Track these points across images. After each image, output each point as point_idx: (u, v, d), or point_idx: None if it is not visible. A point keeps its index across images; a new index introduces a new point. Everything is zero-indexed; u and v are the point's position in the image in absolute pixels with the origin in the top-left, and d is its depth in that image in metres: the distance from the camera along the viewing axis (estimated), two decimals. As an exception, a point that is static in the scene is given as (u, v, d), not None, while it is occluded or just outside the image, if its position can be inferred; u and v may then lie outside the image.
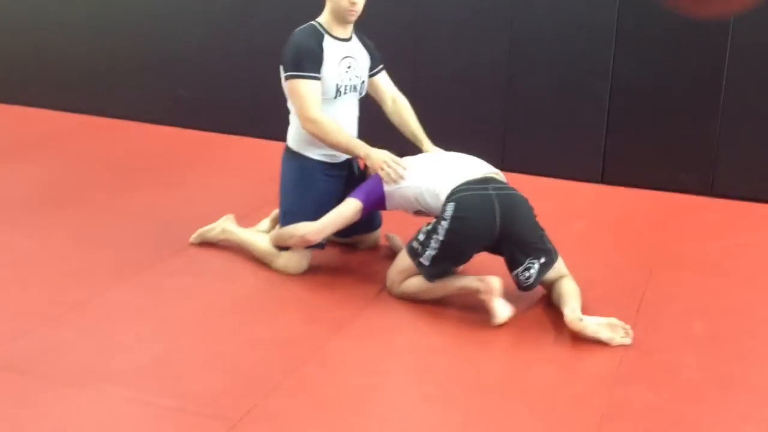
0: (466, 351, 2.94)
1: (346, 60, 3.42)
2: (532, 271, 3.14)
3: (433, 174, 3.27)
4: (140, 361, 2.80)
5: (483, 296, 3.10)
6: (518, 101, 4.98)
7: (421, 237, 3.16)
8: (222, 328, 3.07)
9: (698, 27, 4.40)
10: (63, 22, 6.12)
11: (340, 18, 3.39)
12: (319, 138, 3.34)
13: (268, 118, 4.70)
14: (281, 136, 3.62)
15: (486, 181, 3.18)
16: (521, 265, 3.13)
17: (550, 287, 3.24)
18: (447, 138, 3.72)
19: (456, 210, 3.08)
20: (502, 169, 3.36)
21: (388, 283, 3.32)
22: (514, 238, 3.14)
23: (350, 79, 3.45)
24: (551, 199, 4.32)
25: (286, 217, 3.51)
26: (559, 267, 3.23)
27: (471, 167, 3.30)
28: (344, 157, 3.54)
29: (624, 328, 2.98)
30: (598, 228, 4.20)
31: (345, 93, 3.44)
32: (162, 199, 4.48)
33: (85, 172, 4.96)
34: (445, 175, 3.24)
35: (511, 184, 3.25)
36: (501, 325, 3.05)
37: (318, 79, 3.33)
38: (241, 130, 5.66)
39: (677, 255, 3.85)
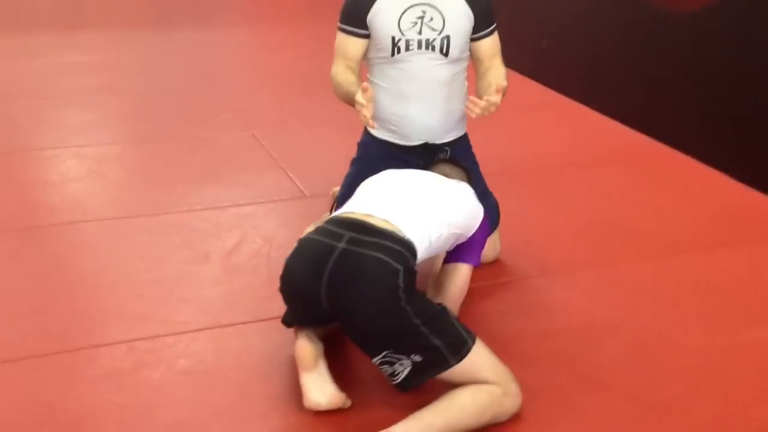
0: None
1: (415, 8, 2.62)
2: (397, 367, 2.08)
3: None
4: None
5: None
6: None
7: None
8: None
9: None
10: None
11: None
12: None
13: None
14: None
15: (357, 226, 2.15)
16: (376, 356, 2.10)
17: None
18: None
19: (291, 255, 2.20)
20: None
21: None
22: (347, 319, 2.11)
23: (419, 33, 2.64)
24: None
25: (338, 201, 2.95)
26: (467, 372, 2.08)
27: (374, 198, 2.30)
28: (418, 139, 2.77)
29: None
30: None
31: (409, 50, 2.64)
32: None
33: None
34: (352, 200, 2.36)
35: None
36: (324, 412, 2.10)
37: (355, 35, 2.68)
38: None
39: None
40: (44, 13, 7.40)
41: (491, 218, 2.89)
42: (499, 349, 2.38)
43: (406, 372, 2.08)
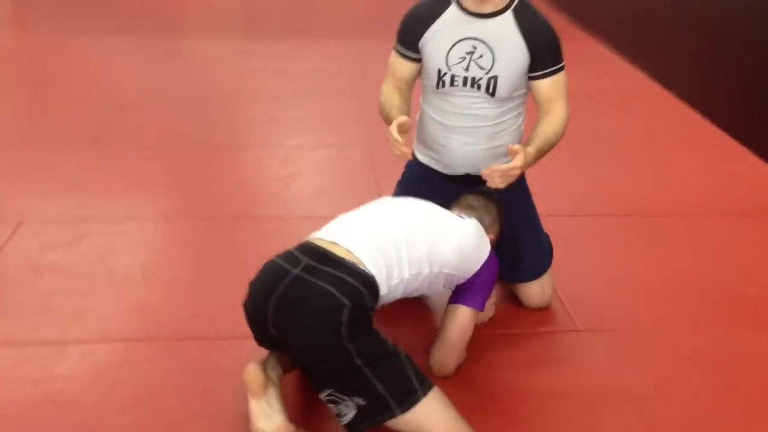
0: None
1: (465, 43, 2.46)
2: (342, 408, 1.96)
3: None
4: None
5: None
6: None
7: None
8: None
9: None
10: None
11: None
12: None
13: None
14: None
15: (317, 254, 2.04)
16: (322, 392, 1.99)
17: None
18: None
19: (254, 277, 2.12)
20: None
21: None
22: (291, 348, 2.04)
23: (466, 69, 2.47)
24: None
25: None
26: (413, 424, 1.93)
27: (347, 226, 2.16)
28: (459, 170, 2.62)
29: None
30: None
31: (454, 85, 2.49)
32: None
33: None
34: (327, 225, 2.23)
35: None
36: None
37: (406, 58, 2.56)
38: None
39: None
40: (276, 21, 7.78)
41: (541, 262, 2.67)
42: (497, 404, 2.26)
43: (351, 415, 1.96)
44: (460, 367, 2.36)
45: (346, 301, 1.94)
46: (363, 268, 2.02)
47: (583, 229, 3.25)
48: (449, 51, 2.47)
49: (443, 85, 2.51)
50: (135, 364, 2.38)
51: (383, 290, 2.04)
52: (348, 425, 1.98)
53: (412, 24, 2.54)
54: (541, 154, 2.41)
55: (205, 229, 3.25)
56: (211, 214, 3.39)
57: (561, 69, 2.50)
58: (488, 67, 2.45)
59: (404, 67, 2.58)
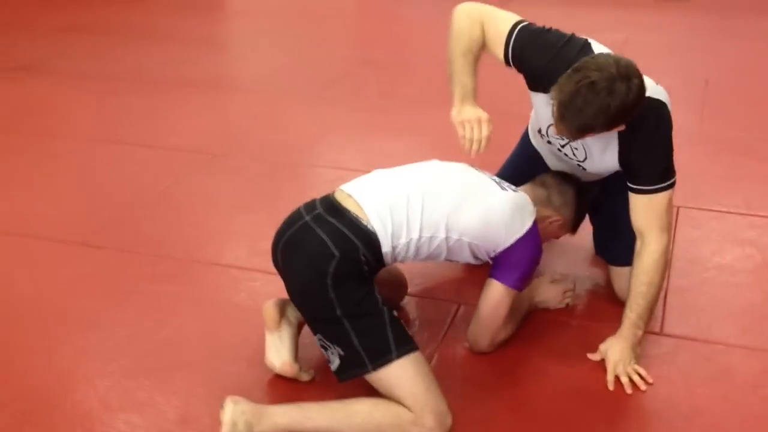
0: None
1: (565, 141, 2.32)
2: (330, 354, 2.03)
3: None
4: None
5: None
6: None
7: None
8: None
9: None
10: None
11: None
12: None
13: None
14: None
15: (330, 204, 2.11)
16: (315, 335, 2.07)
17: None
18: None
19: None
20: None
21: None
22: (290, 292, 2.13)
23: (561, 146, 2.38)
24: None
25: None
26: (383, 383, 1.97)
27: (369, 181, 2.19)
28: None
29: None
30: None
31: (550, 144, 2.42)
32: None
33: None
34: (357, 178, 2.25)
35: None
36: (284, 377, 2.19)
37: (506, 60, 2.28)
38: None
39: None
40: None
41: (627, 252, 2.39)
42: (509, 389, 2.22)
43: (336, 363, 2.04)
44: (501, 346, 2.29)
45: (336, 252, 2.00)
46: (365, 223, 2.05)
47: (734, 228, 2.92)
48: (551, 128, 2.27)
49: (542, 137, 2.45)
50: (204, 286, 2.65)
51: (386, 248, 2.05)
52: (335, 373, 2.06)
53: (536, 77, 2.24)
54: (645, 319, 2.23)
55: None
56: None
57: (661, 190, 2.20)
58: (581, 159, 2.36)
59: (495, 57, 2.33)
